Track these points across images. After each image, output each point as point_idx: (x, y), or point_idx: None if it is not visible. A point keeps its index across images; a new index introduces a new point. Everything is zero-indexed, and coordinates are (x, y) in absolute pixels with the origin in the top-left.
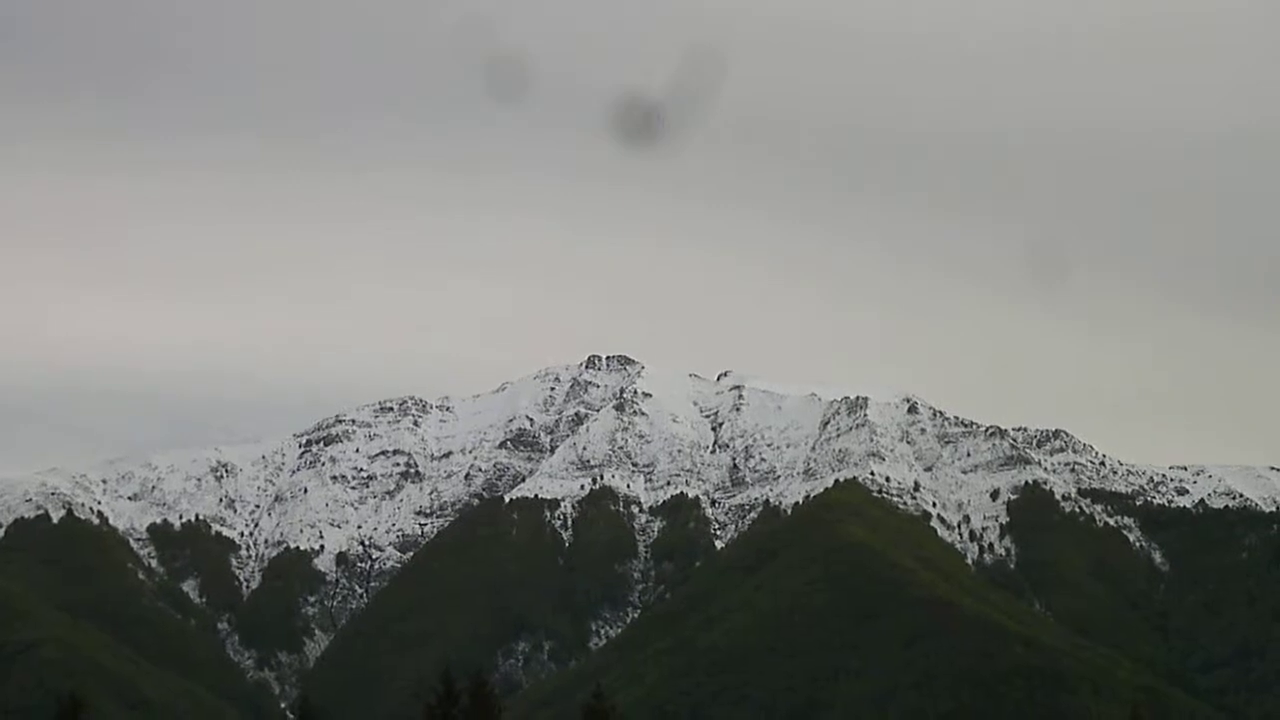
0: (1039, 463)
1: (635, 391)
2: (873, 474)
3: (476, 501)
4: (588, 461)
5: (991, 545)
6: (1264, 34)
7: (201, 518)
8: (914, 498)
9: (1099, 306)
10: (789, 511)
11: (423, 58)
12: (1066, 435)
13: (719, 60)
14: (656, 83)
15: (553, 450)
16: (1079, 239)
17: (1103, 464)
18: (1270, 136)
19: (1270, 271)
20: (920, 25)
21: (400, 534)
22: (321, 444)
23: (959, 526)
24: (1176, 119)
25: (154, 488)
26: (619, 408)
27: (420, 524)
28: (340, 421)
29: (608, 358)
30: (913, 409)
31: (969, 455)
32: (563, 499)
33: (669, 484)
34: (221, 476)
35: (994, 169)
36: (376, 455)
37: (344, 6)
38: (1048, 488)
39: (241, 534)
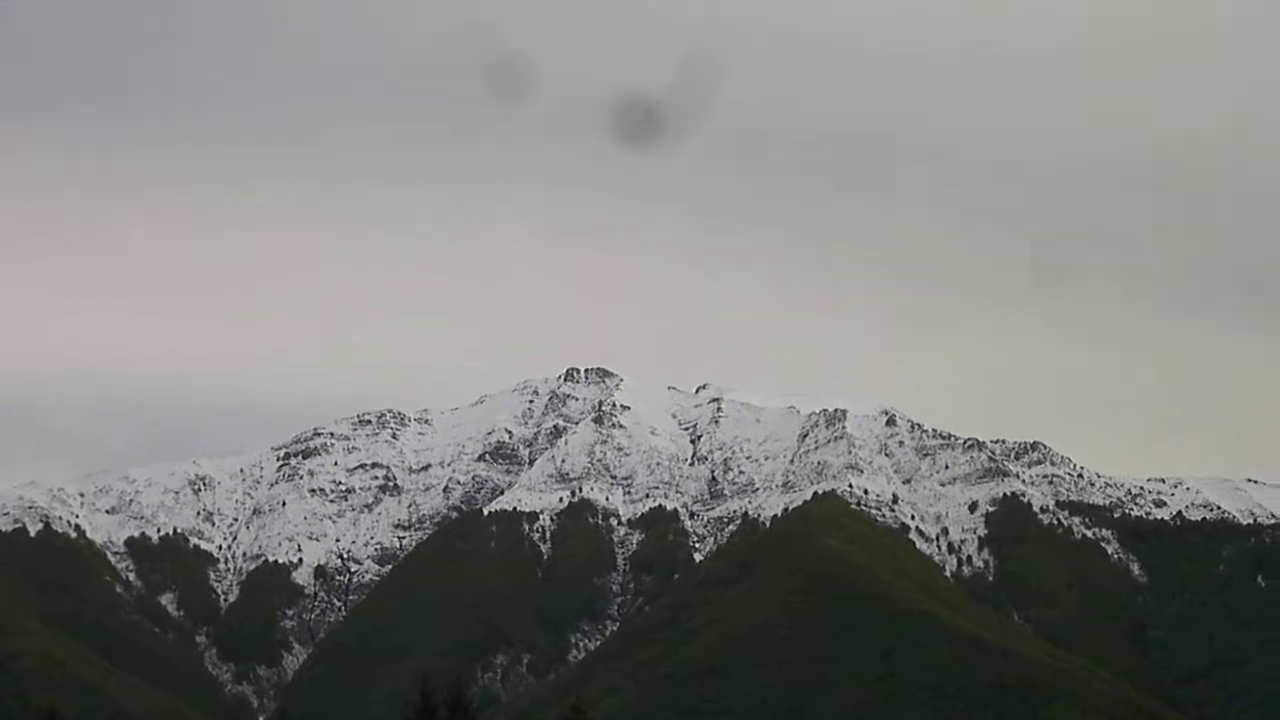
0: (1017, 475)
1: (614, 404)
2: (851, 486)
3: (455, 514)
4: (566, 474)
5: (970, 557)
6: (1263, 43)
7: (179, 531)
8: (892, 510)
9: (1078, 319)
10: (768, 524)
11: (422, 61)
12: (1044, 447)
13: (716, 66)
14: (656, 86)
15: (531, 463)
16: (1059, 253)
17: (1080, 476)
18: (1260, 146)
19: (1251, 281)
20: (921, 35)
21: (378, 547)
22: (300, 457)
23: (937, 539)
24: (1163, 131)
25: (132, 501)
26: (597, 420)
27: (399, 537)
28: (318, 434)
29: (586, 370)
30: (891, 421)
31: (947, 467)
32: (541, 512)
33: (648, 497)
34: (199, 490)
35: (984, 181)
36: (355, 468)
37: (343, 10)
38: (1026, 500)
39: (219, 547)
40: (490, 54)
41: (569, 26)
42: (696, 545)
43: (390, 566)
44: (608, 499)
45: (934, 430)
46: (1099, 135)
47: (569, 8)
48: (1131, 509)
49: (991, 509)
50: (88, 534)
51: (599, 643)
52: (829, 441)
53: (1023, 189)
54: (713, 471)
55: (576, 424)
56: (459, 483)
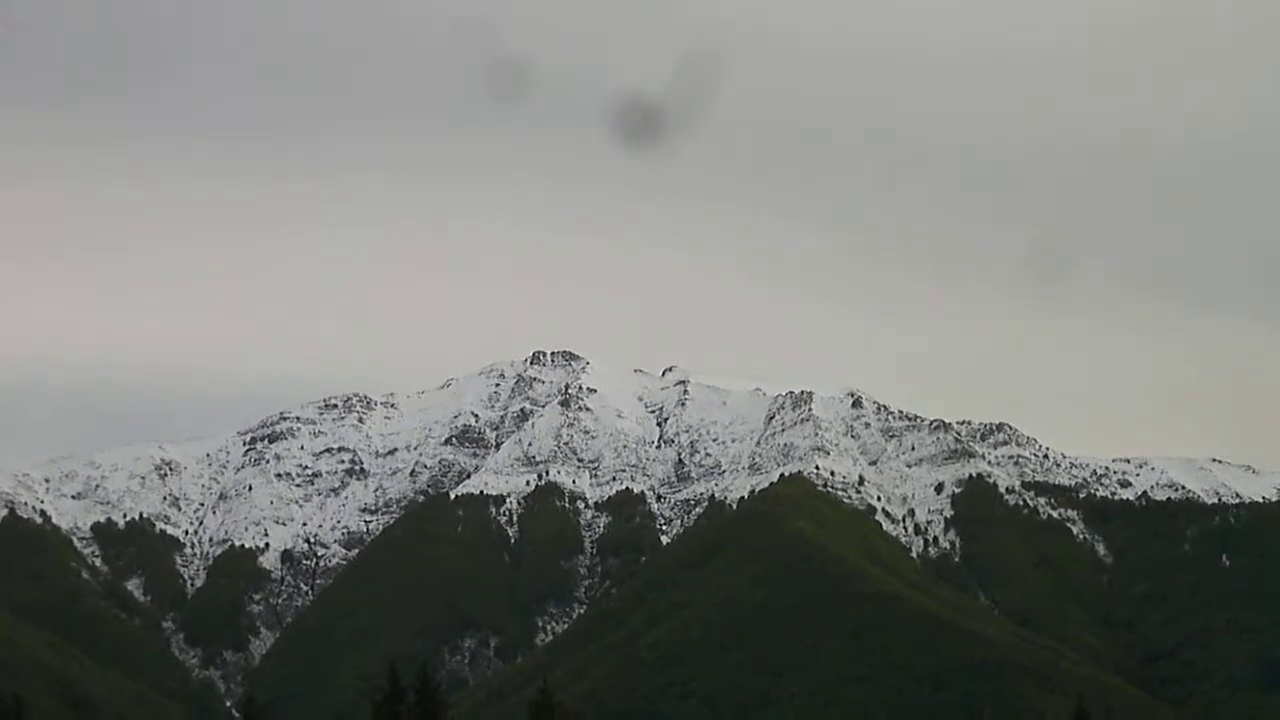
0: (983, 456)
1: (580, 387)
2: (817, 468)
3: (422, 498)
4: (533, 458)
5: (936, 539)
6: (1261, 39)
7: (145, 516)
8: (859, 492)
9: (1044, 303)
10: (734, 506)
11: (421, 58)
12: (1010, 428)
13: (713, 60)
14: (654, 84)
15: (498, 446)
16: (1033, 238)
17: (1046, 457)
18: (1223, 142)
19: (1208, 263)
20: (919, 31)
21: (345, 531)
22: (266, 441)
23: (903, 520)
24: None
25: (97, 486)
26: (564, 404)
27: (365, 521)
28: (285, 419)
29: (553, 354)
30: (857, 403)
31: (913, 449)
32: (508, 495)
33: (614, 479)
34: (165, 475)
35: (969, 172)
36: (321, 452)
37: (343, 8)
38: (991, 481)
39: (186, 532)
40: (490, 54)
41: (569, 26)
42: (663, 528)
43: (357, 550)
44: (574, 482)
45: (900, 412)
46: (1073, 128)
47: (568, 7)
48: (1097, 489)
49: (957, 490)
50: (53, 519)
51: (566, 626)
52: (795, 424)
53: (1006, 179)
54: (679, 454)
55: (543, 407)
56: (425, 466)
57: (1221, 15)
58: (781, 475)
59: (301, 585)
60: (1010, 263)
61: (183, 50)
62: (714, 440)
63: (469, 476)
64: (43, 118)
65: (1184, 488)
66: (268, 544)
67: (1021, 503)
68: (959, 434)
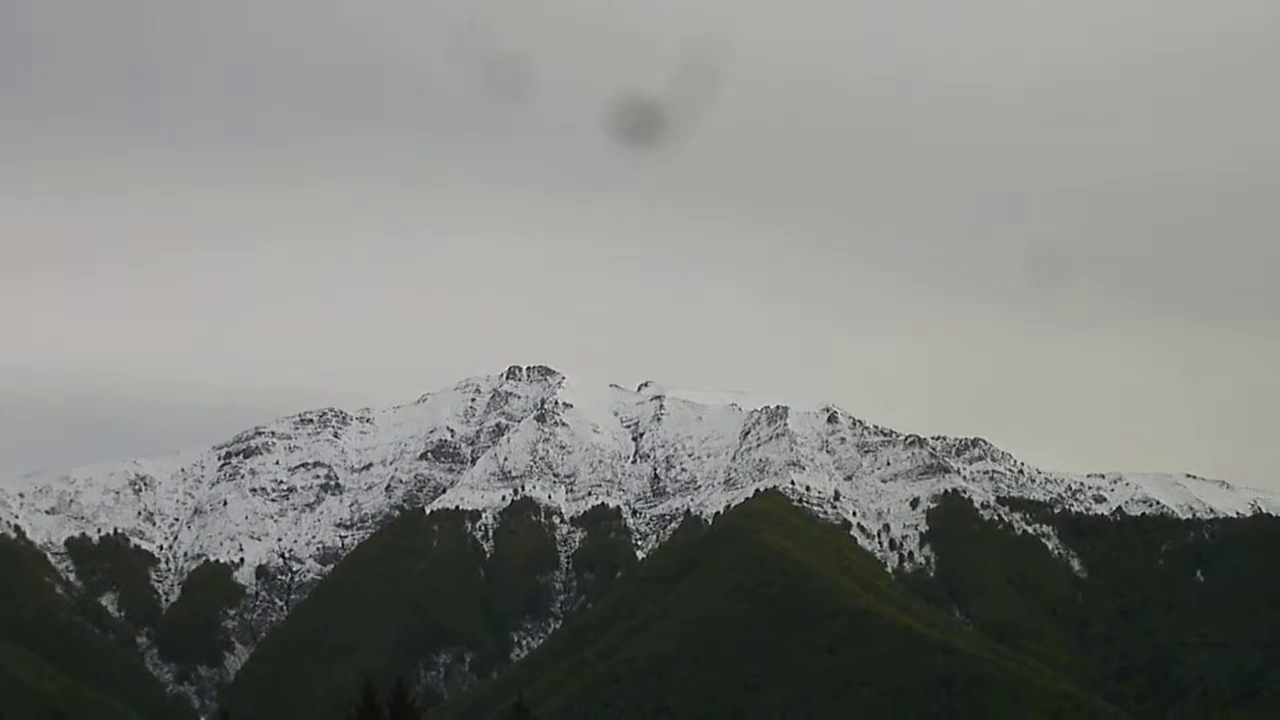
0: (958, 471)
1: (556, 402)
2: (793, 483)
3: (397, 513)
4: (509, 472)
5: (911, 554)
6: (1254, 59)
7: (120, 531)
8: (834, 507)
9: (1020, 318)
10: (710, 521)
11: (419, 61)
12: (985, 444)
13: (704, 73)
14: (652, 89)
15: (473, 461)
16: (1009, 256)
17: (1021, 472)
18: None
19: (1182, 279)
20: (913, 46)
21: (320, 546)
22: (241, 456)
23: (879, 535)
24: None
25: (72, 501)
26: (540, 418)
27: (341, 536)
28: (260, 433)
29: (528, 368)
30: (832, 418)
31: (888, 464)
32: (484, 510)
33: (590, 494)
34: (140, 489)
35: (958, 187)
36: (296, 467)
37: (343, 9)
38: (966, 496)
39: (160, 547)
40: (488, 55)
41: (561, 30)
42: (639, 543)
43: (332, 566)
44: (550, 497)
45: (875, 427)
46: (1059, 147)
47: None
48: (1072, 505)
49: (932, 505)
50: (27, 534)
51: (542, 641)
52: (770, 439)
53: (986, 197)
54: (655, 469)
55: (519, 422)
56: (401, 481)
57: (1220, 37)
58: (757, 490)
59: (276, 600)
60: (985, 280)
61: (178, 59)
62: (689, 455)
63: (444, 491)
64: (33, 127)
65: (1159, 503)
66: (243, 559)
67: (996, 518)
68: (934, 449)
